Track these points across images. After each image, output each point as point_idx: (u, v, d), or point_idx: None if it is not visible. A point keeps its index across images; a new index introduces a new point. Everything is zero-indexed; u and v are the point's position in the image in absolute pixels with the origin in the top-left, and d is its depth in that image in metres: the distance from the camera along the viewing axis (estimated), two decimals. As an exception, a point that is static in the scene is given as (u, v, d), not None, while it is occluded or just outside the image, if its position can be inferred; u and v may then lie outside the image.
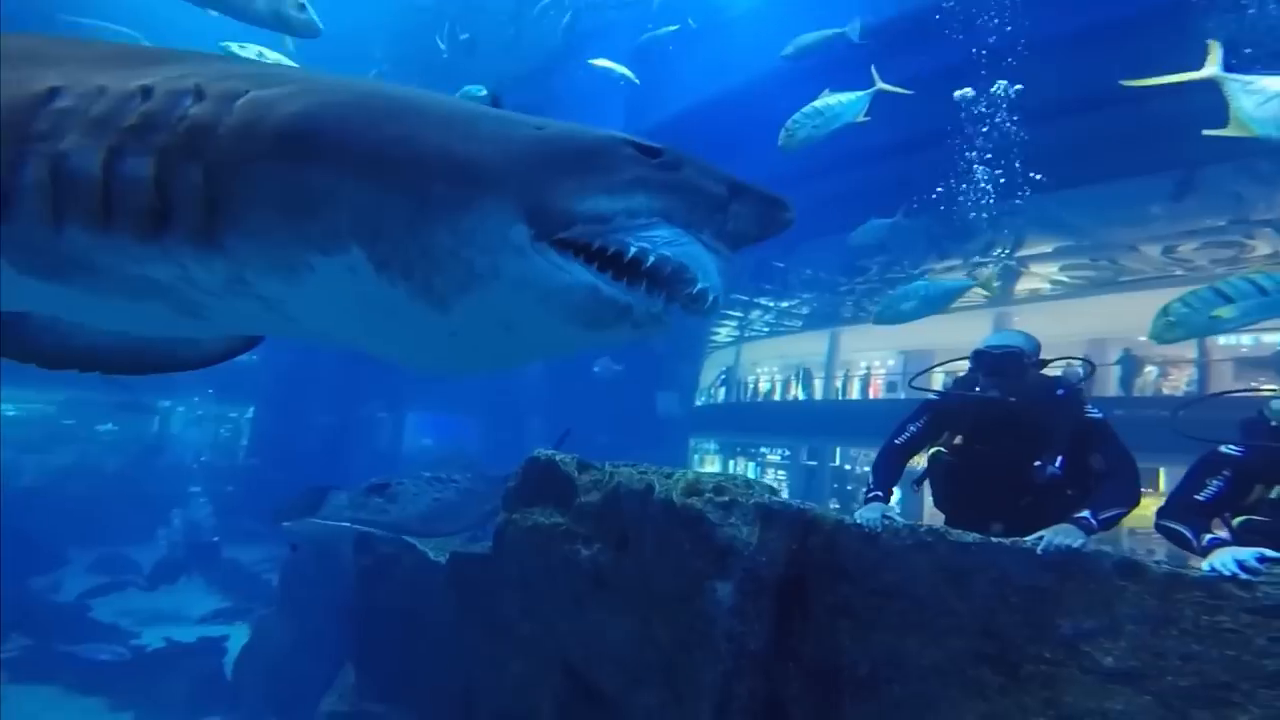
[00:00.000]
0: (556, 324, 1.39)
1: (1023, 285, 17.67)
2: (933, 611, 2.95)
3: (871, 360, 20.26)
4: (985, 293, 8.52)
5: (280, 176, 1.29)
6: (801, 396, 20.98)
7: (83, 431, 22.99)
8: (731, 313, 20.14)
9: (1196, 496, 2.81)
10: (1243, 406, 3.41)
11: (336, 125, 1.33)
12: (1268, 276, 4.68)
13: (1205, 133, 4.30)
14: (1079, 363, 4.44)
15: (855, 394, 19.65)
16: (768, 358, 23.59)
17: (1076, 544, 2.64)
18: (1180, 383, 17.98)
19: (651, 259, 1.37)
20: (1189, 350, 19.32)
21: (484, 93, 10.71)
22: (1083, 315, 17.50)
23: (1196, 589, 2.36)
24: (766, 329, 22.65)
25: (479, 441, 15.67)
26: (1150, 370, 18.55)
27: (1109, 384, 17.50)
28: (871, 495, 3.31)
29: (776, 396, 21.49)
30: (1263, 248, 13.39)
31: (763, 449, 21.52)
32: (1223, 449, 2.88)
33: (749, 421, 20.71)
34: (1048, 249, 15.01)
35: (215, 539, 14.25)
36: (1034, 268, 16.54)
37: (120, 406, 18.87)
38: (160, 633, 11.12)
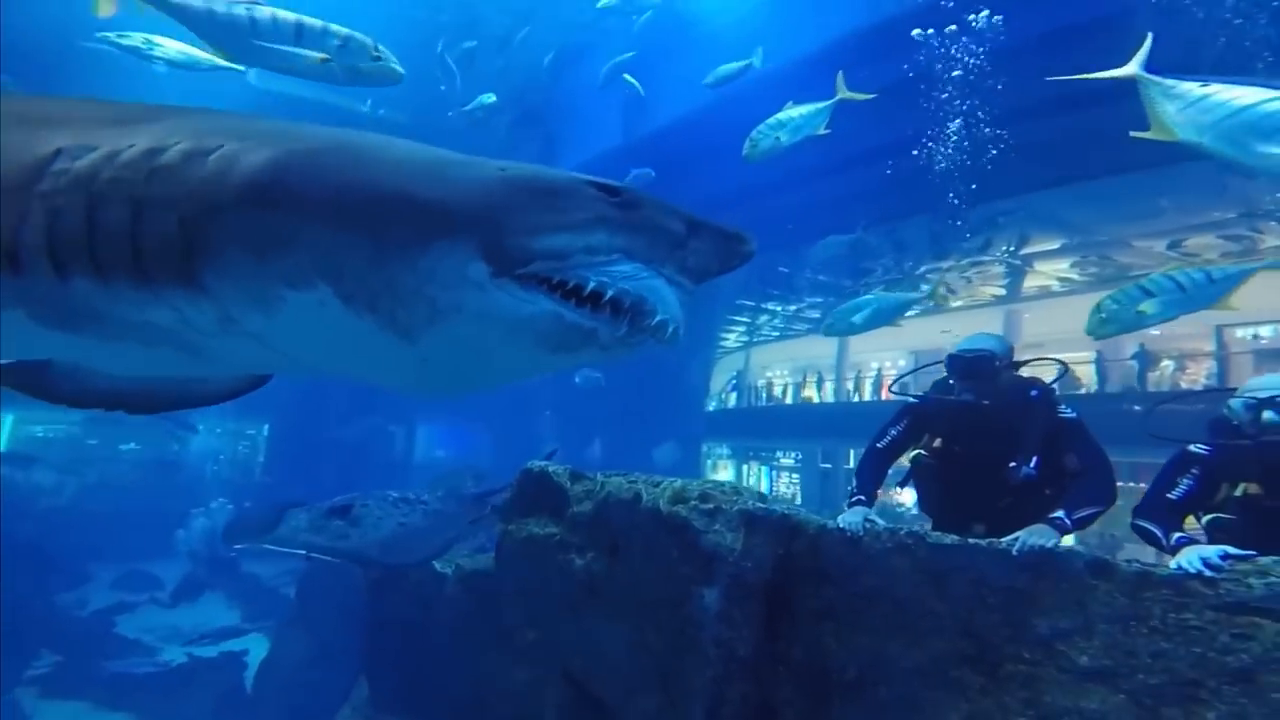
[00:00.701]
0: (524, 349, 1.46)
1: (1030, 282, 17.57)
2: (914, 613, 2.98)
3: (882, 361, 20.18)
4: (936, 301, 8.63)
5: (250, 219, 1.38)
6: (817, 399, 20.96)
7: (105, 450, 23.45)
8: (739, 318, 20.18)
9: (1168, 495, 2.84)
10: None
11: (300, 171, 1.42)
12: (1184, 273, 4.91)
13: (1132, 134, 4.29)
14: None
15: (867, 395, 19.59)
16: (778, 360, 23.57)
17: (1050, 544, 2.67)
18: (1199, 375, 17.78)
19: (611, 292, 1.43)
20: (1207, 343, 19.10)
21: (493, 99, 10.82)
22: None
23: (1164, 587, 2.38)
24: (776, 333, 22.64)
25: (492, 452, 15.77)
26: (1167, 364, 18.37)
27: (1128, 379, 17.36)
28: (855, 499, 3.35)
29: (788, 399, 21.45)
30: (1270, 240, 13.23)
31: (776, 453, 21.46)
32: (1192, 448, 2.90)
33: (761, 425, 20.67)
34: (1053, 246, 14.91)
35: (232, 554, 14.45)
36: (1041, 265, 16.45)
37: (170, 432, 19.36)
38: (182, 648, 11.30)
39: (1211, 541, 2.64)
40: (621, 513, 3.73)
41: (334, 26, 5.17)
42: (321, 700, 8.08)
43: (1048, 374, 3.60)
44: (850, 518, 3.18)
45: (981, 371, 3.31)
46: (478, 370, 1.57)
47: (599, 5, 10.57)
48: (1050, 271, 16.97)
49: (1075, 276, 17.15)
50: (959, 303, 18.84)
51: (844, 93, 7.10)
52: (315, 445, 15.58)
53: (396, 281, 1.37)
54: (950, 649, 2.87)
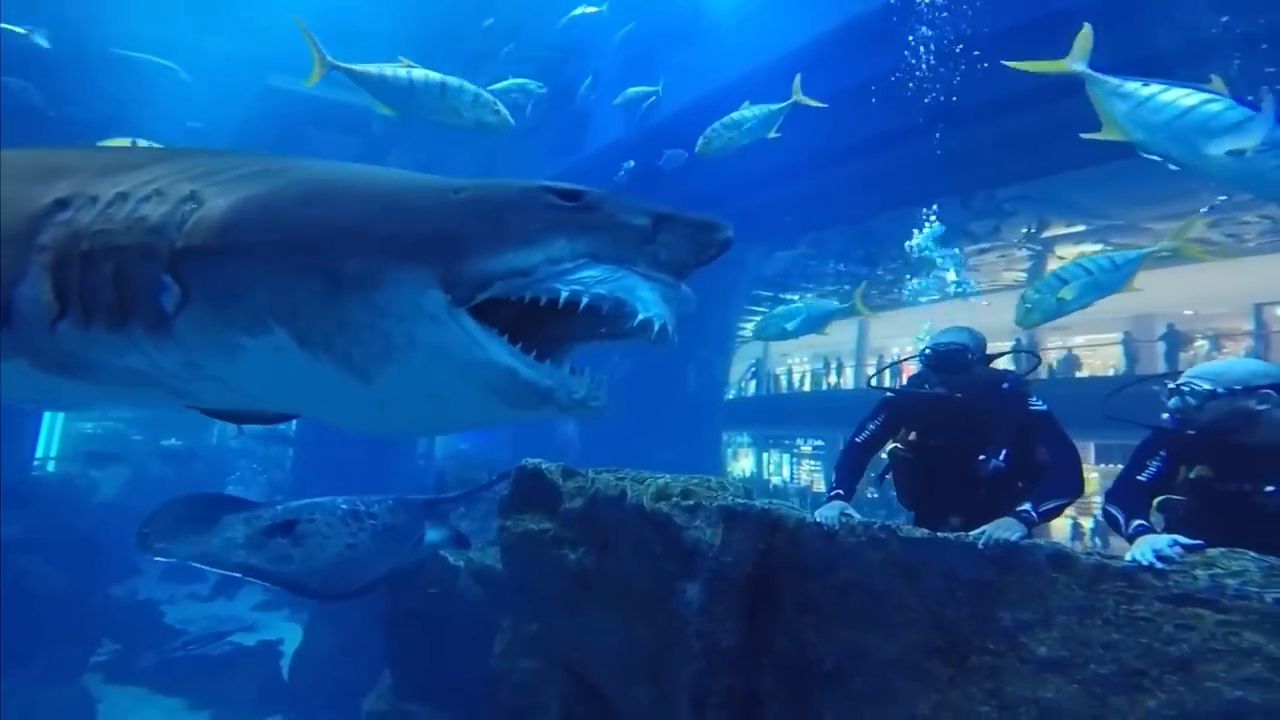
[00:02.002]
0: (479, 399, 1.43)
1: (1056, 266, 17.29)
2: (889, 606, 3.04)
3: (904, 346, 20.01)
4: (858, 312, 8.86)
5: (207, 267, 1.42)
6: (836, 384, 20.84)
7: (149, 446, 24.38)
8: (758, 309, 20.14)
9: (1139, 478, 2.86)
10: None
11: (253, 216, 1.45)
12: (1091, 260, 5.24)
13: (1083, 136, 4.27)
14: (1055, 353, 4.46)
15: (887, 381, 19.42)
16: (797, 348, 23.46)
17: (1014, 537, 2.72)
18: (1237, 355, 17.35)
19: (586, 299, 1.39)
20: (1245, 321, 18.59)
21: (544, 89, 11.00)
22: (1126, 292, 17.05)
23: (1119, 579, 2.42)
24: None
25: (511, 443, 15.90)
26: (1202, 344, 17.97)
27: (1156, 360, 17.01)
28: (833, 493, 3.41)
29: (807, 387, 21.38)
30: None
31: (798, 440, 21.37)
32: (1159, 430, 2.92)
33: (782, 413, 20.58)
34: (1077, 229, 14.61)
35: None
36: (1064, 249, 16.17)
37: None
38: (224, 638, 11.76)
39: (1166, 524, 2.68)
40: (609, 509, 3.84)
41: (468, 85, 6.21)
42: (351, 689, 8.39)
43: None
44: (827, 512, 3.24)
45: (954, 365, 3.35)
46: (435, 415, 1.56)
47: (562, 22, 10.83)
48: (1076, 255, 16.71)
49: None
50: (982, 286, 18.62)
51: (799, 97, 7.21)
52: (342, 440, 15.94)
53: (349, 318, 1.37)
54: (922, 641, 2.93)
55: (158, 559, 5.08)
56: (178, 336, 1.45)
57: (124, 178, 1.57)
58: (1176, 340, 16.42)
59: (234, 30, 12.18)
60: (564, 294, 1.39)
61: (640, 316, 1.42)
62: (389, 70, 6.03)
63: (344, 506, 5.63)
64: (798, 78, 7.17)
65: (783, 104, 7.24)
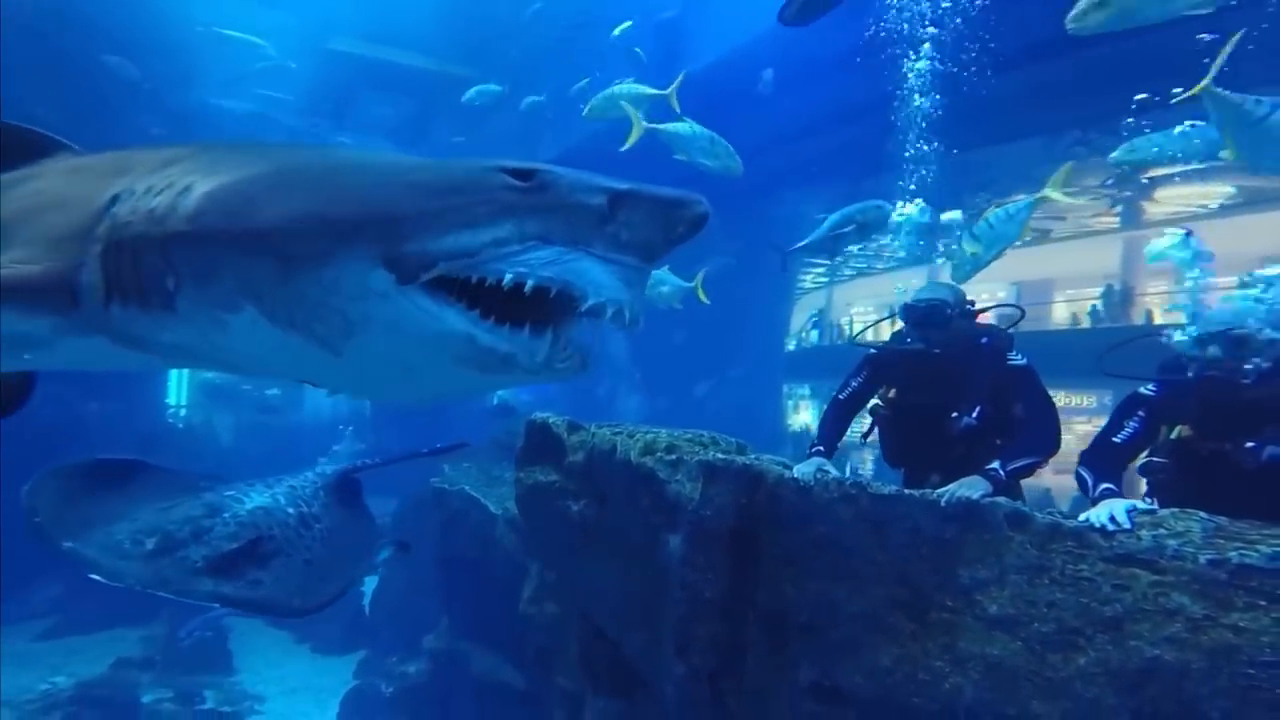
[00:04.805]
0: (446, 367, 1.47)
1: (1157, 209, 16.06)
2: (859, 561, 3.06)
3: (979, 293, 19.03)
4: (702, 298, 8.76)
5: (188, 252, 1.57)
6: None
7: (256, 395, 26.20)
8: (818, 260, 19.55)
9: (1114, 439, 2.72)
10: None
11: (219, 204, 1.57)
12: (993, 214, 5.50)
13: (1223, 155, 4.04)
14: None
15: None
16: (861, 297, 22.69)
17: (976, 495, 2.67)
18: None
19: (531, 282, 1.37)
20: None
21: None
22: (1254, 233, 15.71)
23: (1069, 539, 2.37)
24: (853, 271, 21.89)
25: (561, 396, 16.13)
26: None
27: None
28: (814, 449, 3.41)
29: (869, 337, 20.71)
30: None
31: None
32: (1140, 390, 2.75)
33: (843, 364, 20.02)
34: (1178, 169, 13.45)
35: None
36: (1164, 192, 14.95)
37: None
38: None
39: (1149, 487, 2.56)
40: (604, 463, 3.96)
41: (722, 140, 7.20)
42: (421, 626, 8.99)
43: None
44: (804, 468, 3.25)
45: (934, 320, 3.25)
46: (412, 384, 1.60)
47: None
48: (1179, 196, 15.42)
49: (1210, 204, 15.52)
50: (1066, 233, 17.51)
51: (672, 93, 7.47)
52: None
53: (306, 297, 1.44)
54: (888, 595, 2.95)
55: (92, 576, 4.09)
56: (183, 315, 1.60)
57: (159, 174, 1.72)
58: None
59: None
60: (508, 276, 1.37)
61: (590, 301, 1.38)
62: (680, 128, 7.15)
63: (291, 510, 5.18)
64: (681, 76, 7.46)
65: (656, 91, 7.54)
